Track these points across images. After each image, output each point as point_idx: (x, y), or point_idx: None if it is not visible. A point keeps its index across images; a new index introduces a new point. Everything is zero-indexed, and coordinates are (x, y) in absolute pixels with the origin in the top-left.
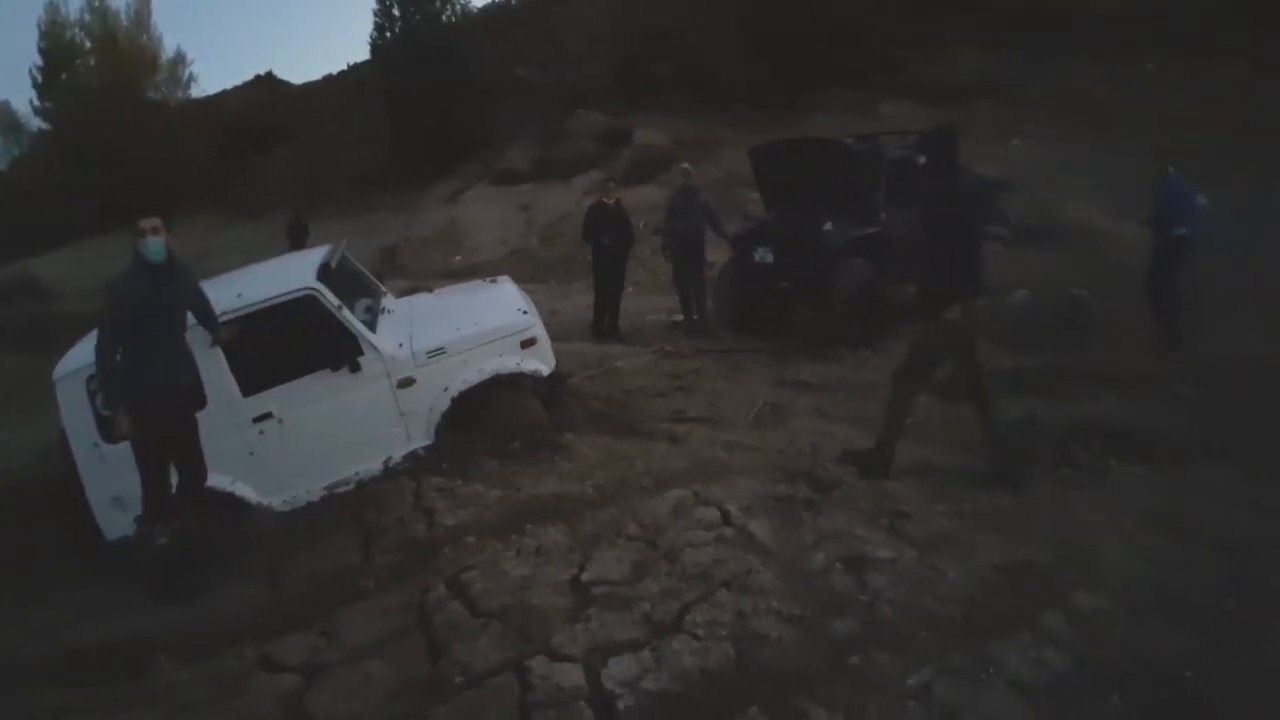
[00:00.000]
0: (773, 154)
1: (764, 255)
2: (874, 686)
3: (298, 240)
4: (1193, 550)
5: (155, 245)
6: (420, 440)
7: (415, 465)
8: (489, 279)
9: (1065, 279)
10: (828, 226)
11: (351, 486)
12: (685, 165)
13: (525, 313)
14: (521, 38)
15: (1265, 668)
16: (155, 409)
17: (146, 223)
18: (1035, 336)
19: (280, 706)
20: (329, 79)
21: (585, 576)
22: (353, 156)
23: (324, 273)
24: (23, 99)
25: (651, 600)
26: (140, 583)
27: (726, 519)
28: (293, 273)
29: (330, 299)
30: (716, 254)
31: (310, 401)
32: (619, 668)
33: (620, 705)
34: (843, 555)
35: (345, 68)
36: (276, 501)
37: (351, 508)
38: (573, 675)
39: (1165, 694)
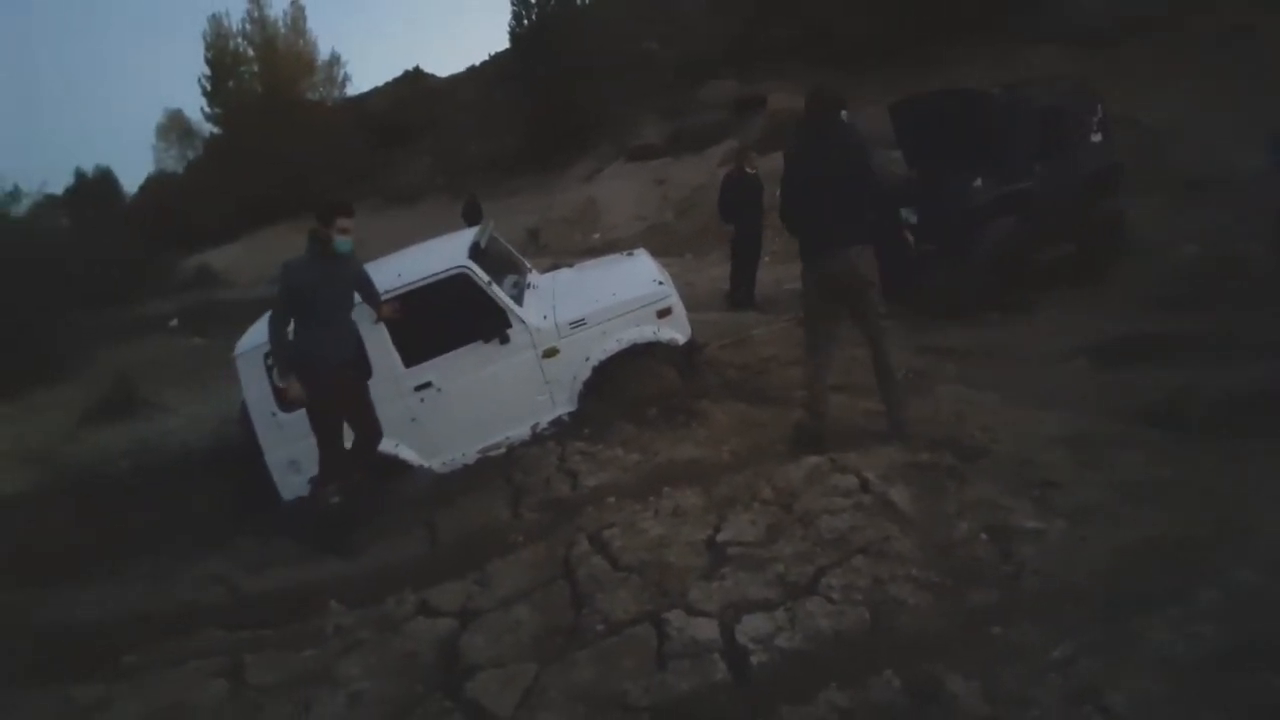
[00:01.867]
0: (914, 109)
1: (908, 215)
2: (1013, 656)
3: (473, 219)
4: None
5: (345, 243)
6: (564, 407)
7: (560, 430)
8: (626, 252)
9: (1235, 233)
10: (978, 183)
11: (502, 450)
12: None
13: (661, 283)
14: (643, 11)
15: None
16: (323, 380)
17: (345, 221)
18: (1202, 297)
19: (436, 648)
20: (471, 70)
21: (720, 537)
22: (494, 143)
23: (474, 252)
24: (195, 107)
25: (786, 562)
26: (311, 538)
27: (865, 486)
28: (446, 253)
29: (481, 276)
30: None
31: (465, 371)
32: (753, 625)
33: (754, 660)
34: (987, 525)
35: (487, 58)
36: (436, 463)
37: (502, 469)
38: (708, 629)
39: None
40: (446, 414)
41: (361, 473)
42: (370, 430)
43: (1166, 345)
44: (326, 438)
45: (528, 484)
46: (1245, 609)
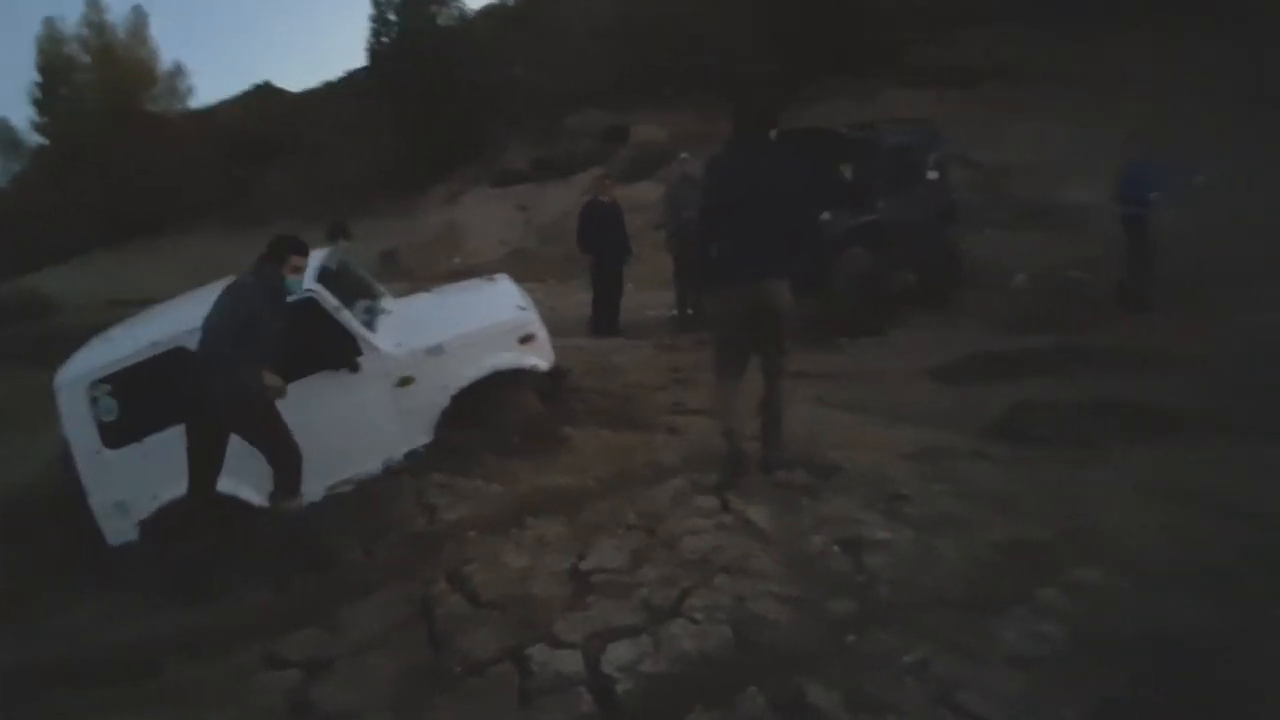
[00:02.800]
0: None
1: None
2: (871, 664)
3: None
4: (1205, 521)
5: (296, 283)
6: (420, 438)
7: (416, 463)
8: (487, 277)
9: (1064, 260)
10: (825, 216)
11: (353, 486)
12: (684, 155)
13: (523, 309)
14: (519, 37)
15: None
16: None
17: (299, 260)
18: (1036, 318)
19: (286, 700)
20: (328, 86)
21: (585, 565)
22: (352, 163)
23: (323, 275)
24: (21, 116)
25: (650, 586)
26: (164, 584)
27: (725, 506)
28: None
29: (329, 300)
30: None
31: (312, 402)
32: (617, 653)
33: (619, 689)
34: (840, 538)
35: (343, 74)
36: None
37: (353, 507)
38: (572, 662)
39: (1171, 665)
40: None
41: (204, 515)
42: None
43: (1006, 364)
44: (280, 445)
45: (381, 521)
46: (1087, 607)
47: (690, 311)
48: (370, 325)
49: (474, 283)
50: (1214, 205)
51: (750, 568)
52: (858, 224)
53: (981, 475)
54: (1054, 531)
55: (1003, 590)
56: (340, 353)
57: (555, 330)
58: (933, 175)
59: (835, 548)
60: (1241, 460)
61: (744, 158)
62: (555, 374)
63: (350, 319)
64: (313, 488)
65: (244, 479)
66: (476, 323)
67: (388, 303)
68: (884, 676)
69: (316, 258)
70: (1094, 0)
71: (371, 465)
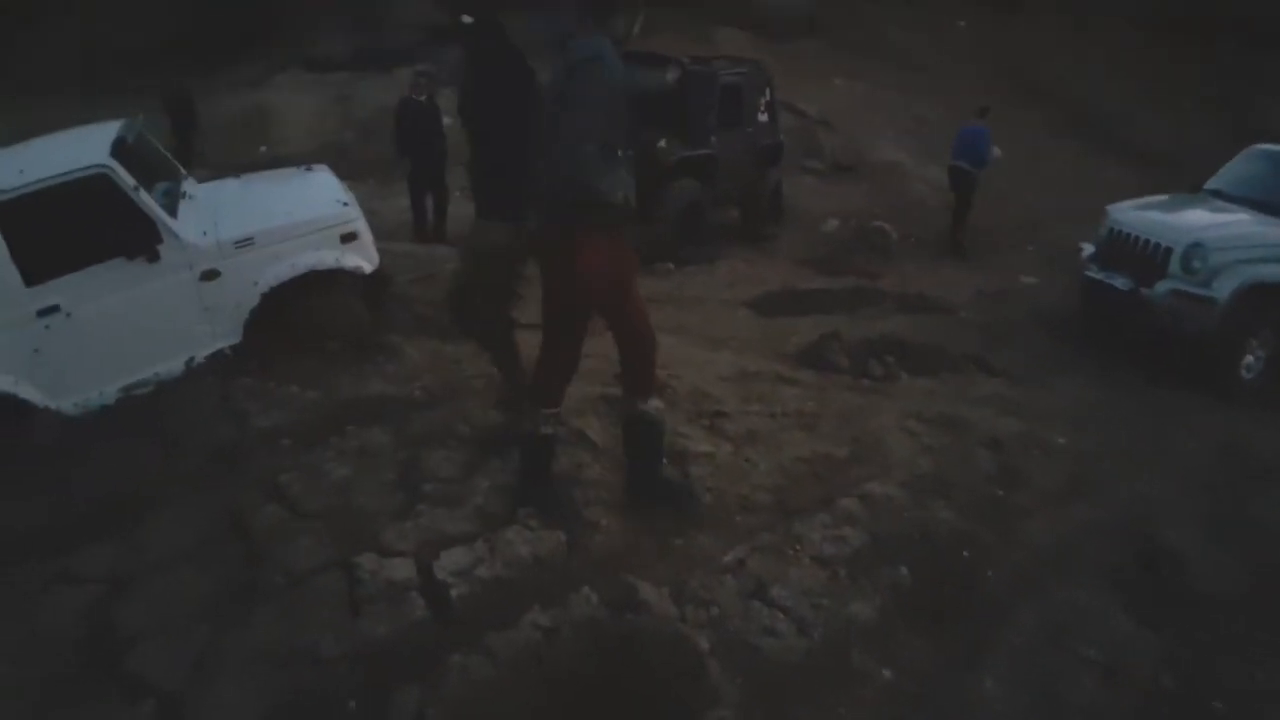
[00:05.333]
0: None
1: None
2: (695, 564)
3: (182, 116)
4: (967, 447)
5: None
6: (227, 339)
7: (222, 365)
8: (304, 167)
9: (871, 211)
10: (662, 143)
11: (151, 388)
12: None
13: (345, 205)
14: None
15: (1024, 545)
16: None
17: None
18: (841, 261)
19: (85, 619)
20: None
21: (413, 475)
22: (143, 33)
23: (119, 149)
24: None
25: (484, 495)
26: None
27: (561, 420)
28: (83, 148)
29: (125, 179)
30: None
31: (103, 293)
32: (452, 559)
33: (454, 594)
34: (667, 451)
35: None
36: (66, 405)
37: (151, 410)
38: (403, 569)
39: (944, 566)
40: (79, 345)
41: None
42: None
43: (813, 300)
44: None
45: (184, 427)
46: (878, 515)
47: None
48: (171, 211)
49: (289, 172)
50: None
51: (583, 477)
52: (691, 156)
53: (790, 397)
54: (848, 449)
55: (807, 499)
56: (137, 239)
57: (379, 235)
58: (763, 117)
59: (663, 460)
60: (991, 395)
61: (471, 73)
62: (379, 278)
63: (149, 201)
64: (106, 387)
65: (26, 377)
66: (292, 216)
67: (191, 186)
68: (706, 574)
69: (109, 130)
70: None
71: (173, 365)
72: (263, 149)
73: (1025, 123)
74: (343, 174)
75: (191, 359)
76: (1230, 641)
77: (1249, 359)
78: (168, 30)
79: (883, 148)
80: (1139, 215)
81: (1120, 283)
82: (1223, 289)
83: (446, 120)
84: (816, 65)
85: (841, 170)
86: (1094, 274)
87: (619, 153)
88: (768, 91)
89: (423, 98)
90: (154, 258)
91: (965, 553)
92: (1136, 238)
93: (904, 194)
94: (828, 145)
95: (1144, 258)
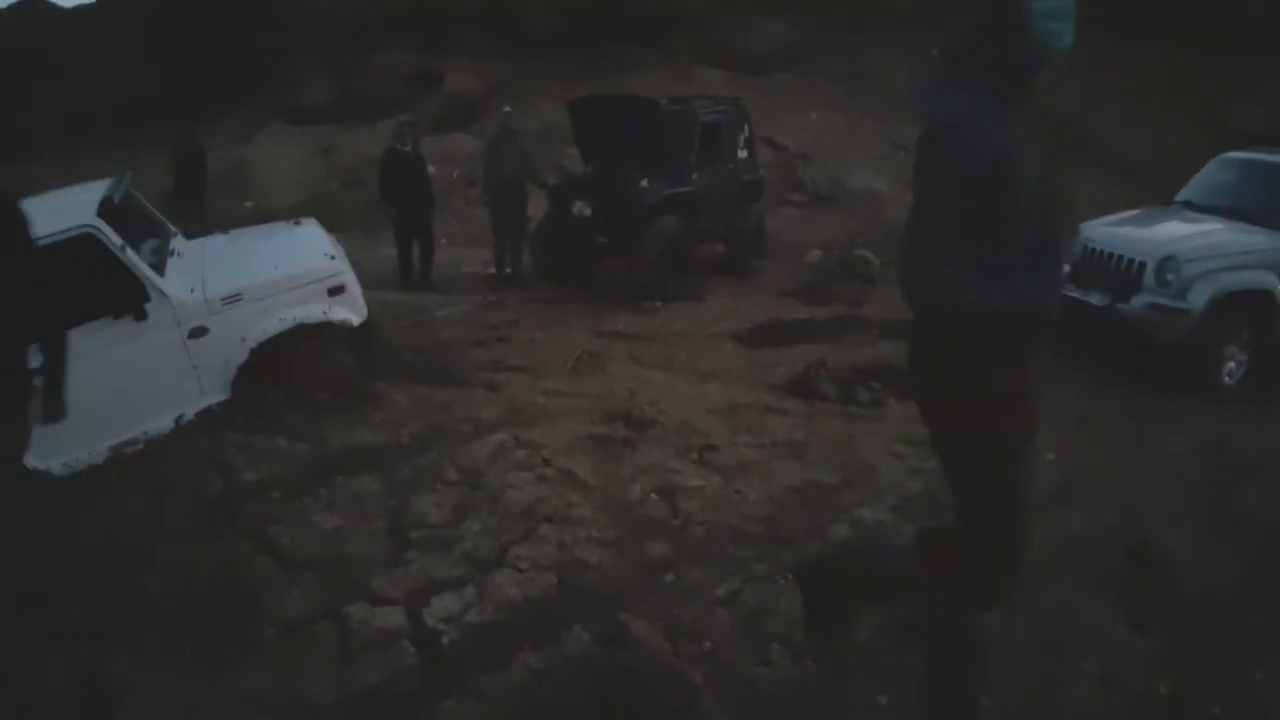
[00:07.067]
0: (592, 109)
1: (582, 208)
2: (688, 597)
3: (190, 165)
4: None
5: None
6: (215, 395)
7: (210, 421)
8: (292, 220)
9: (852, 239)
10: (644, 183)
11: (140, 447)
12: (507, 109)
13: (332, 257)
14: None
15: None
16: None
17: None
18: (825, 290)
19: (75, 678)
20: (102, 2)
21: (403, 522)
22: (129, 89)
23: (106, 208)
24: None
25: (473, 539)
26: None
27: (547, 460)
28: (70, 209)
29: (112, 238)
30: (533, 207)
31: (91, 353)
32: (442, 605)
33: (445, 640)
34: (657, 485)
35: None
36: (55, 465)
37: (140, 469)
38: (394, 617)
39: None
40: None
41: None
42: None
43: (797, 330)
44: None
45: (172, 484)
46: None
47: (509, 270)
48: (159, 269)
49: (276, 226)
50: None
51: (573, 516)
52: (673, 193)
53: (778, 427)
54: (839, 476)
55: (797, 527)
56: (125, 298)
57: (366, 283)
58: (742, 153)
59: (653, 495)
60: None
61: None
62: (367, 329)
63: (136, 260)
64: (95, 447)
65: None
66: (280, 271)
67: (179, 244)
68: (699, 608)
69: (96, 190)
70: (884, 7)
71: (161, 423)
72: (248, 204)
73: None
74: (329, 224)
75: (180, 416)
76: (1226, 641)
77: (1230, 365)
78: (152, 86)
79: (861, 176)
80: (1111, 232)
81: (1096, 299)
82: (1198, 299)
83: (431, 170)
84: (794, 98)
85: (822, 201)
86: (1070, 292)
87: None
88: (746, 129)
89: (407, 147)
90: (141, 316)
91: None
92: (1110, 254)
93: (884, 221)
94: (807, 177)
95: (1118, 273)
